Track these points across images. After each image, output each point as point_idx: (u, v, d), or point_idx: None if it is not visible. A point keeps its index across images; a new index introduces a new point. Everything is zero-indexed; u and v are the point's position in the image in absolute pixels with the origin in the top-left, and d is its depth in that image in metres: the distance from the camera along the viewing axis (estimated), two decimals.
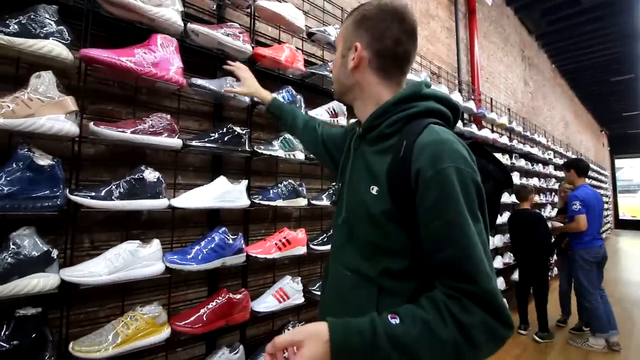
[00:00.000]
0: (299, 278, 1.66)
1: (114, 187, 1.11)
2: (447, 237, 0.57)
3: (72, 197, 1.00)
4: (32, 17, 0.98)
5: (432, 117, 0.69)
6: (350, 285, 0.71)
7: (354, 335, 0.54)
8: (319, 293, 1.70)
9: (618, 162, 15.92)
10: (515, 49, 5.51)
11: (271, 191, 1.58)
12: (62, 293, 1.01)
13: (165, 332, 1.15)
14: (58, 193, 0.97)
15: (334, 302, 0.77)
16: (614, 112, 11.39)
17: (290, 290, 1.58)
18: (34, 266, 0.93)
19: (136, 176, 1.16)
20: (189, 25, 1.31)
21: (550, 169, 5.69)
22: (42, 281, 0.93)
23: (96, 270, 1.04)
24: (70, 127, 0.99)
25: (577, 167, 3.23)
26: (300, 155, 1.68)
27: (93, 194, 1.05)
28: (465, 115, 3.59)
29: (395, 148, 0.66)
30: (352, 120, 1.89)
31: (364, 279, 0.69)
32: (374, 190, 0.67)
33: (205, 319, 1.26)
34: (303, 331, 0.55)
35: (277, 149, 1.59)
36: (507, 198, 3.98)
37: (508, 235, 3.57)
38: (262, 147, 1.54)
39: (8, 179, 0.90)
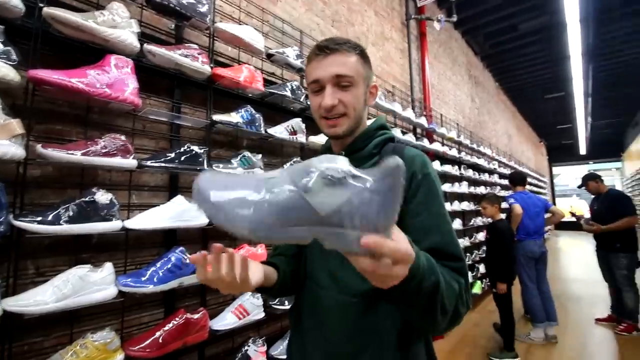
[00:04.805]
0: (259, 294, 1.67)
1: (62, 210, 1.08)
2: (435, 225, 0.70)
3: (17, 223, 0.97)
4: None
5: (394, 141, 0.84)
6: (361, 310, 0.71)
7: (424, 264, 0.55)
8: (279, 307, 1.73)
9: (555, 170, 17.68)
10: (462, 68, 5.98)
11: None
12: (4, 325, 0.96)
13: (118, 359, 1.12)
14: (1, 219, 0.93)
15: (341, 335, 0.72)
16: (550, 125, 12.68)
17: (250, 306, 1.60)
18: None
19: (87, 199, 1.13)
20: (145, 46, 1.32)
21: (495, 178, 6.18)
22: None
23: (42, 298, 1.00)
24: (15, 150, 0.96)
25: (510, 178, 3.88)
26: (258, 173, 1.71)
27: (40, 218, 1.02)
28: (418, 130, 3.83)
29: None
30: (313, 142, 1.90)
31: (372, 299, 0.70)
32: None
33: (161, 341, 1.24)
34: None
35: (236, 167, 1.62)
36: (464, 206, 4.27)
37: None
38: (221, 165, 1.56)
39: None
